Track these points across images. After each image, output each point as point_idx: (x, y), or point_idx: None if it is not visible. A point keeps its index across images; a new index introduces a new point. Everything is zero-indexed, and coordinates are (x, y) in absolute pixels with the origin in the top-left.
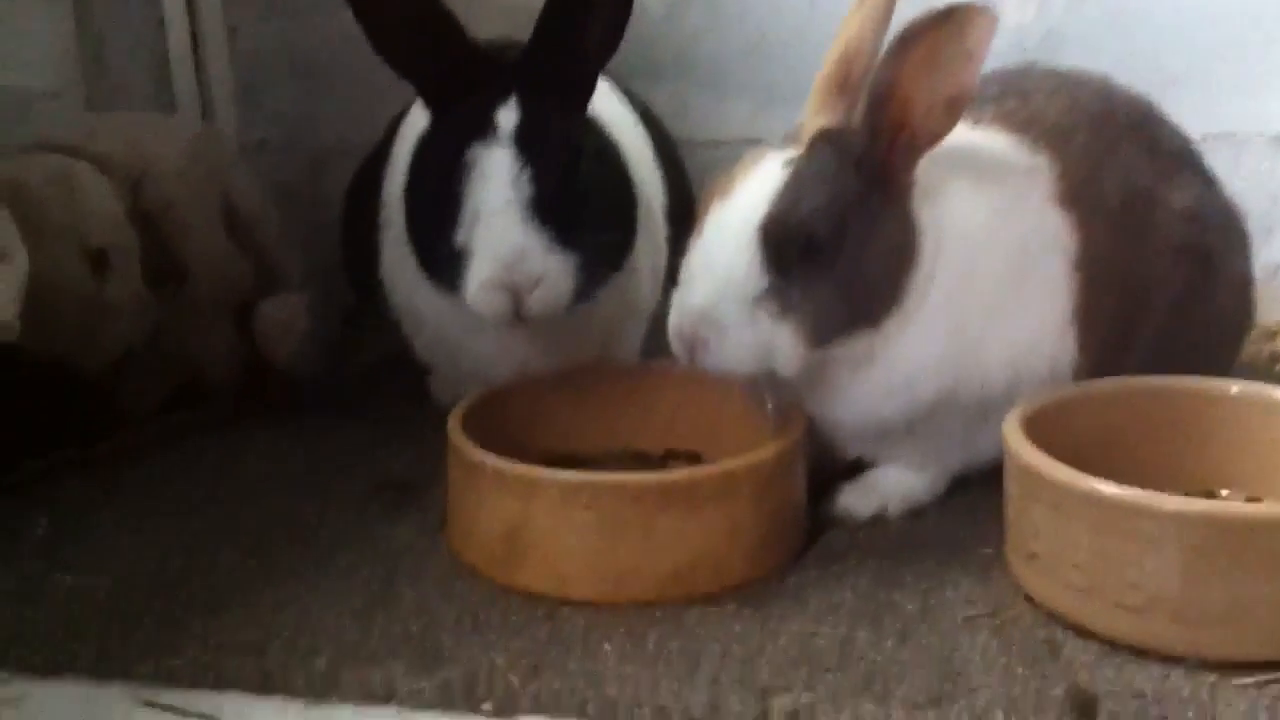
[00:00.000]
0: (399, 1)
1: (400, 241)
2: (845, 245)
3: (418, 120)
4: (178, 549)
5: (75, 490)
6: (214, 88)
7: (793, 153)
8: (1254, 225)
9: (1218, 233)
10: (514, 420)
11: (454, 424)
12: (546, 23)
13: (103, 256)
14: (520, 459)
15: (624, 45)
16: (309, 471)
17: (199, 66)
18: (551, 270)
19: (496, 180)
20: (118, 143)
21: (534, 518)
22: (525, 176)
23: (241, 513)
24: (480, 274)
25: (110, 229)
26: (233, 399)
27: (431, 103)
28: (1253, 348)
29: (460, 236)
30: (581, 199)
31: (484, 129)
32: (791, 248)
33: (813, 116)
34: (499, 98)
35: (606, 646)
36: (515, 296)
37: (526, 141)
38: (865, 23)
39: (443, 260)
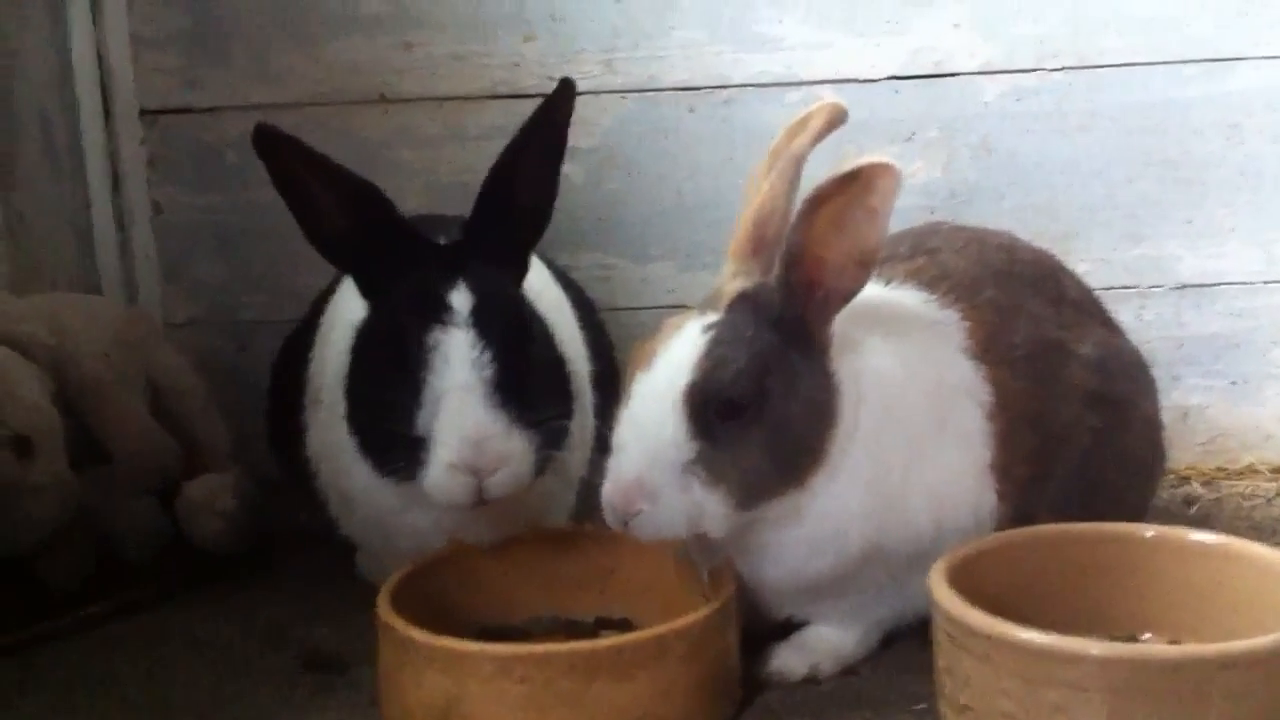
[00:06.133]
0: (337, 193)
1: (330, 421)
2: (768, 404)
3: (348, 298)
4: None
5: None
6: (139, 265)
7: (712, 317)
8: (1160, 372)
9: (1125, 379)
10: (443, 593)
11: (383, 601)
12: (483, 202)
13: (26, 442)
14: (451, 633)
15: None
16: (234, 652)
17: (124, 244)
18: (514, 451)
19: (458, 363)
20: (40, 325)
21: (467, 693)
22: (485, 358)
23: (166, 696)
24: (445, 458)
25: (33, 414)
26: (157, 579)
27: (368, 287)
28: (1165, 492)
29: (421, 422)
30: (533, 378)
31: (439, 311)
32: (716, 411)
33: (729, 279)
34: (447, 280)
35: None
36: (479, 479)
37: (482, 322)
38: (775, 184)
39: (397, 447)
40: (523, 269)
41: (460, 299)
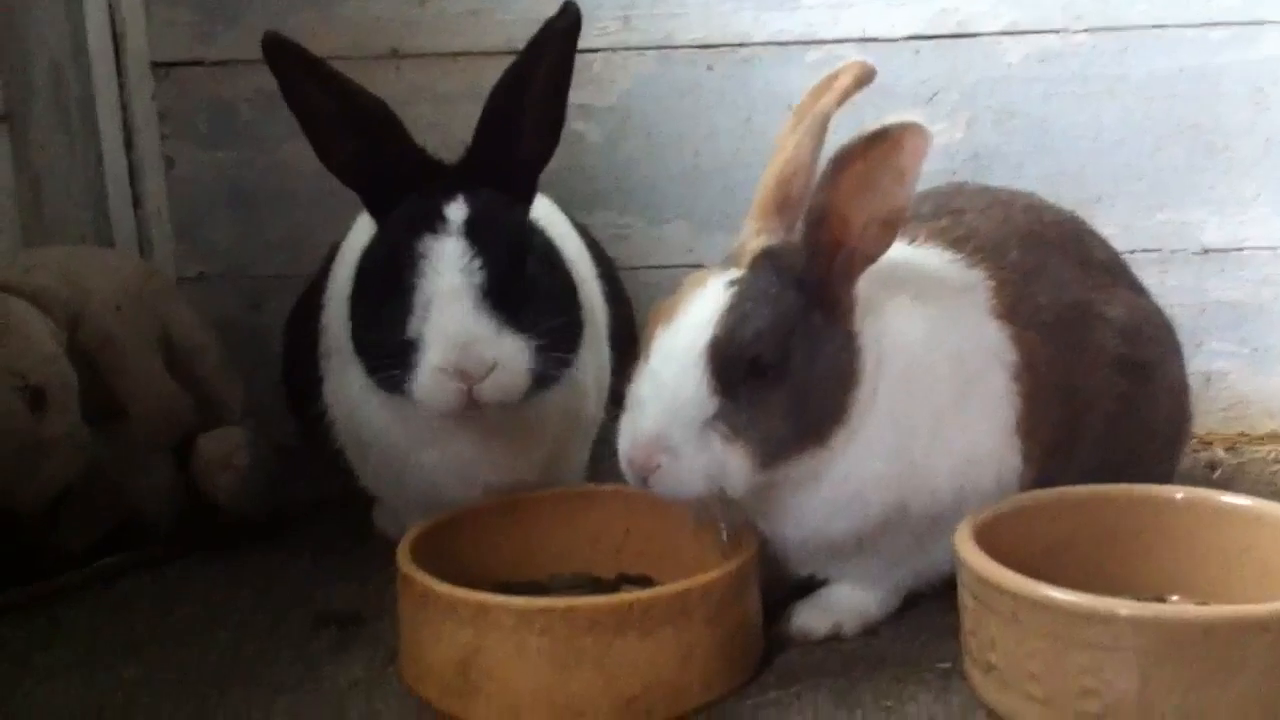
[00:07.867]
0: (345, 107)
1: (342, 365)
2: (791, 364)
3: (356, 243)
4: (116, 692)
5: (10, 631)
6: (151, 220)
7: (735, 273)
8: (1182, 338)
9: (1153, 343)
10: (463, 549)
11: (403, 553)
12: (485, 125)
13: (40, 394)
14: (471, 588)
15: (563, 173)
16: (251, 609)
17: (136, 199)
18: (505, 355)
19: (447, 268)
20: (55, 278)
21: (487, 645)
22: (476, 264)
23: (181, 653)
24: (433, 360)
25: (48, 366)
26: (172, 535)
27: (376, 206)
28: (1187, 457)
29: (412, 327)
30: (530, 288)
31: (433, 222)
32: (738, 369)
33: (753, 237)
34: (446, 195)
35: None
36: (468, 384)
37: (475, 232)
38: (801, 143)
39: (392, 354)
40: (528, 193)
41: (456, 211)
